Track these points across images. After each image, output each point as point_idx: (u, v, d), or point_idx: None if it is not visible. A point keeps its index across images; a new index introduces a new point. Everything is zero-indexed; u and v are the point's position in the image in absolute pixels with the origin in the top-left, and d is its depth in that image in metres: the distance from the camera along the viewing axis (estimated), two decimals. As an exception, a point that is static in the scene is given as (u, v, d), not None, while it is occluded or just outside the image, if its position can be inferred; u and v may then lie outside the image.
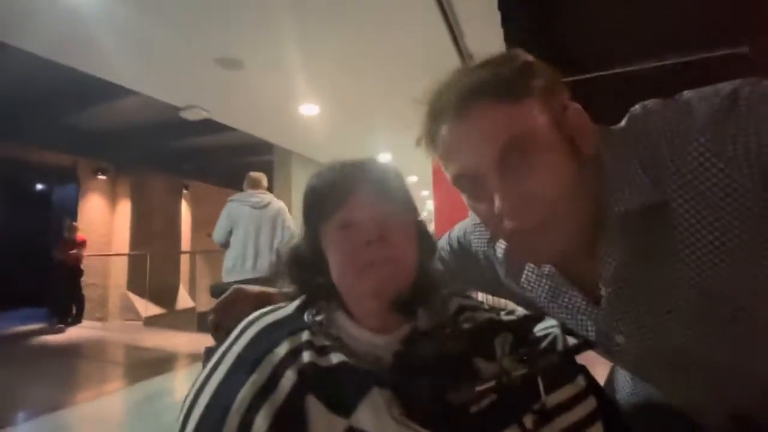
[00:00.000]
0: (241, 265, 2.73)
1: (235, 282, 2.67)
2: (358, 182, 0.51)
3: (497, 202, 0.45)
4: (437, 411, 0.42)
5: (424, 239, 0.55)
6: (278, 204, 2.90)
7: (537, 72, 0.47)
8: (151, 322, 6.02)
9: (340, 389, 0.42)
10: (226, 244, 2.80)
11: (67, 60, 2.67)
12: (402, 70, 2.92)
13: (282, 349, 0.45)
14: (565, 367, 0.53)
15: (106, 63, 2.68)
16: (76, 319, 5.68)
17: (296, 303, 0.53)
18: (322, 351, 0.46)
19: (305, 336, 0.47)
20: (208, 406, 0.42)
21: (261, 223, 2.78)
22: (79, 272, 5.76)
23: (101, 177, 6.54)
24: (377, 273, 0.48)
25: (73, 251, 5.59)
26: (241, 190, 2.97)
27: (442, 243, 0.76)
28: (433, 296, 0.57)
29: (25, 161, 5.77)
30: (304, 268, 0.54)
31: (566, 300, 0.57)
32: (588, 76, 2.52)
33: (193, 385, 0.46)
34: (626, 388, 0.71)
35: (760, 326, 0.46)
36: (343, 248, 0.49)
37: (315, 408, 0.41)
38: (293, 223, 2.89)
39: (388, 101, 3.41)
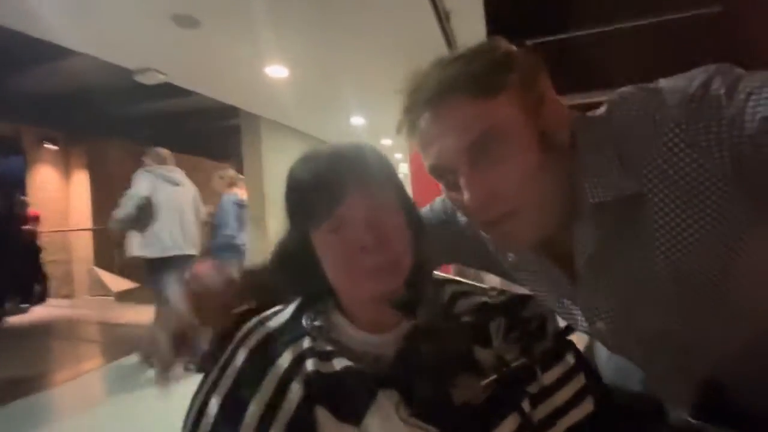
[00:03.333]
0: (164, 240, 2.76)
1: (157, 257, 2.60)
2: (347, 181, 0.47)
3: (465, 195, 0.47)
4: (443, 409, 0.43)
5: (415, 226, 0.53)
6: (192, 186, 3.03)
7: (513, 65, 0.47)
8: (123, 297, 5.85)
9: (347, 396, 0.42)
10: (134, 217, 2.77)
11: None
12: (376, 32, 2.77)
13: (285, 360, 0.44)
14: (557, 347, 0.55)
15: (45, 22, 2.38)
16: (40, 298, 5.45)
17: (292, 307, 0.52)
18: (324, 356, 0.45)
19: (306, 343, 0.46)
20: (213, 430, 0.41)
21: (181, 200, 2.88)
22: (37, 249, 5.46)
23: (50, 147, 6.03)
24: (375, 279, 0.46)
25: (27, 227, 5.26)
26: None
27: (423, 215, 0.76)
28: (427, 287, 0.56)
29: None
30: (296, 269, 0.52)
31: (551, 282, 0.59)
32: (558, 37, 2.50)
33: (192, 404, 0.44)
34: (604, 355, 0.76)
35: (727, 308, 0.48)
36: (337, 254, 0.47)
37: (324, 418, 0.41)
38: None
39: (362, 62, 3.26)
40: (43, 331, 4.39)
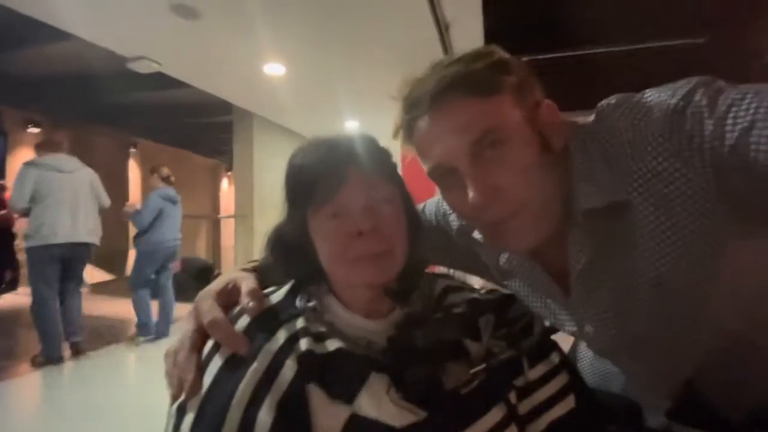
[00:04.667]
0: (54, 229, 2.71)
1: (46, 245, 2.61)
2: (349, 168, 0.48)
3: (470, 193, 0.47)
4: (433, 394, 0.44)
5: (412, 220, 0.54)
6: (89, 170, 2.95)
7: (511, 69, 0.49)
8: (98, 289, 5.67)
9: (340, 377, 0.43)
10: (28, 211, 2.74)
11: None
12: (375, 37, 2.81)
13: (279, 338, 0.44)
14: (543, 345, 0.56)
15: (39, 1, 2.34)
16: (11, 286, 5.22)
17: (286, 288, 0.51)
18: (317, 338, 0.45)
19: (300, 323, 0.46)
20: (204, 403, 0.40)
21: (74, 187, 2.81)
22: (12, 235, 5.26)
23: (33, 130, 5.85)
24: (370, 266, 0.47)
25: (3, 212, 5.06)
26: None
27: None
28: (420, 279, 0.57)
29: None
30: (291, 252, 0.52)
31: (542, 289, 0.59)
32: (551, 55, 2.57)
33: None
34: (587, 357, 0.78)
35: (706, 317, 0.50)
36: (333, 239, 0.48)
37: (317, 397, 0.41)
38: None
39: (360, 65, 3.29)
40: (12, 320, 4.20)
